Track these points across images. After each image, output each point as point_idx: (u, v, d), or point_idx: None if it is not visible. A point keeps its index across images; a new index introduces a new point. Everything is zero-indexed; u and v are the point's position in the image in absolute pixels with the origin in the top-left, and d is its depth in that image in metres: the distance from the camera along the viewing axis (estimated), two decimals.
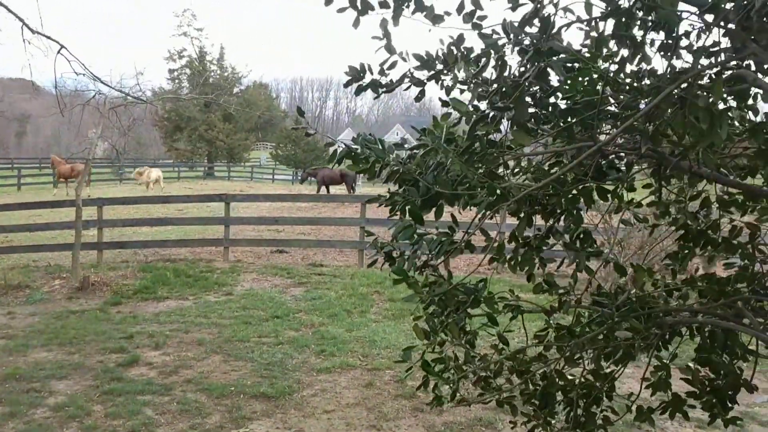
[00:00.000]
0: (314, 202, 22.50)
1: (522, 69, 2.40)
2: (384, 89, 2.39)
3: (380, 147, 2.30)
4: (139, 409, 5.62)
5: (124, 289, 10.19)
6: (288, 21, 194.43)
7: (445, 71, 2.33)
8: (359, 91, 2.40)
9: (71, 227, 12.64)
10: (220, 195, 14.77)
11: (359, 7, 2.24)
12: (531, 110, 2.52)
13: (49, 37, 9.82)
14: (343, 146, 2.34)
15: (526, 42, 2.28)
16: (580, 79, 2.58)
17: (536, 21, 2.21)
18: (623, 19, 2.01)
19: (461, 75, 2.34)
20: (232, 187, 32.84)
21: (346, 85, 2.38)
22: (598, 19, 2.11)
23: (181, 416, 5.52)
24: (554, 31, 2.13)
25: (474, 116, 2.47)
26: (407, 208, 2.37)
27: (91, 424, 5.32)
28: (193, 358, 7.00)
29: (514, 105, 2.32)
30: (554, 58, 2.26)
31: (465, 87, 2.40)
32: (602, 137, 2.56)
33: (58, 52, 10.11)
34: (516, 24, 2.23)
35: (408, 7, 2.22)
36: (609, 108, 2.52)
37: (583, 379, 2.98)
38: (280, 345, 7.48)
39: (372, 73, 2.36)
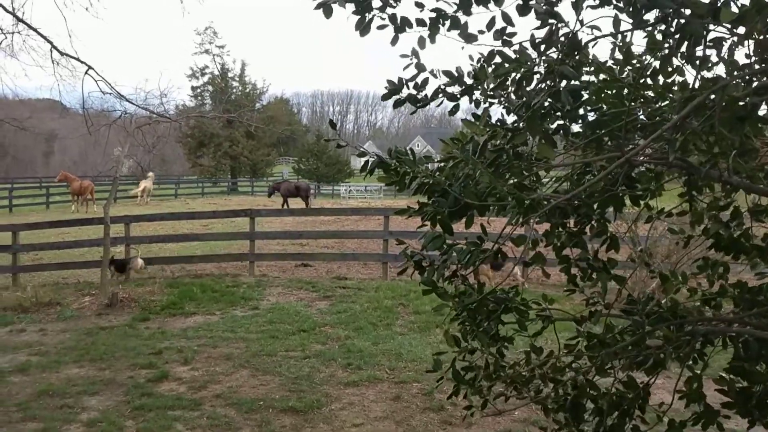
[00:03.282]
0: (337, 216, 22.57)
1: (541, 86, 2.43)
2: (419, 104, 2.43)
3: (411, 159, 2.33)
4: (170, 425, 5.67)
5: (152, 305, 10.30)
6: (308, 35, 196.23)
7: (476, 86, 2.36)
8: (397, 104, 2.44)
9: (99, 244, 12.83)
10: (245, 210, 14.91)
11: (398, 25, 2.28)
12: (559, 122, 2.54)
13: (77, 59, 10.05)
14: (375, 157, 2.37)
15: (541, 65, 2.30)
16: (606, 91, 2.60)
17: (562, 37, 2.24)
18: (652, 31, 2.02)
19: (490, 90, 2.36)
20: (256, 202, 33.08)
21: (384, 98, 2.43)
22: (624, 33, 2.13)
23: (212, 431, 5.57)
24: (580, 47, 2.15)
25: (487, 134, 2.50)
26: (437, 218, 2.39)
27: None
28: (222, 373, 7.06)
29: (526, 124, 2.34)
30: (563, 83, 2.28)
31: (495, 101, 2.43)
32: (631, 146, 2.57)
33: (86, 72, 10.34)
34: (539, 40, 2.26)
35: (443, 25, 2.26)
36: (637, 119, 2.52)
37: (614, 389, 2.96)
38: (307, 359, 7.51)
39: (408, 88, 2.40)
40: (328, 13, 2.26)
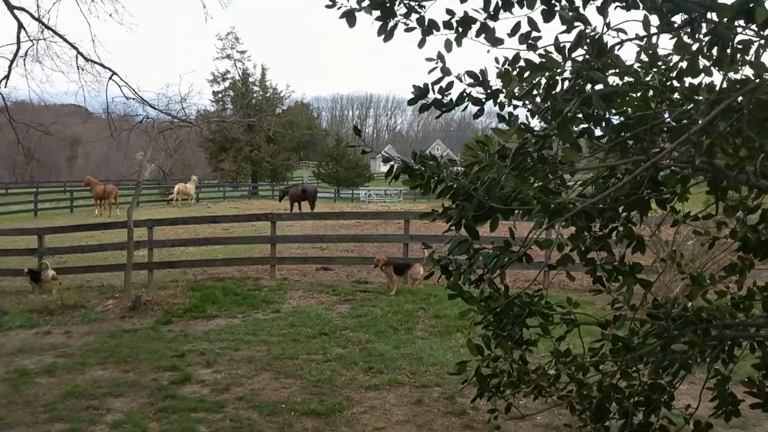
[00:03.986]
0: (357, 220, 22.62)
1: (568, 91, 2.43)
2: (445, 109, 2.45)
3: (435, 163, 2.34)
4: (193, 427, 5.72)
5: (174, 308, 10.40)
6: (328, 39, 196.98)
7: (502, 90, 2.37)
8: (423, 109, 2.46)
9: (122, 248, 12.99)
10: (266, 214, 15.01)
11: (425, 27, 2.30)
12: (584, 125, 2.54)
13: (101, 65, 10.22)
14: (401, 163, 2.39)
15: (569, 71, 2.30)
16: (631, 94, 2.59)
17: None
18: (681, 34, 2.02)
19: (515, 92, 2.37)
20: (277, 206, 33.27)
21: (410, 103, 2.44)
22: (651, 36, 2.12)
23: None
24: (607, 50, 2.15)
25: (518, 141, 2.50)
26: (462, 222, 2.40)
27: None
28: (244, 376, 7.10)
29: (558, 131, 2.34)
30: (594, 88, 2.28)
31: (519, 103, 2.43)
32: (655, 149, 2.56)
33: (110, 78, 10.51)
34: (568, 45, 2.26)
35: (470, 29, 2.27)
36: (663, 122, 2.51)
37: (638, 388, 2.95)
38: (328, 362, 7.54)
39: (433, 92, 2.42)
40: (351, 22, 2.28)
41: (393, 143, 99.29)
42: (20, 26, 10.51)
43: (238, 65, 56.79)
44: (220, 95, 57.11)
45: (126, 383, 6.90)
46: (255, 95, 56.36)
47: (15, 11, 10.13)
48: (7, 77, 10.97)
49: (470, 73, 2.35)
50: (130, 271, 11.37)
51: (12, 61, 10.56)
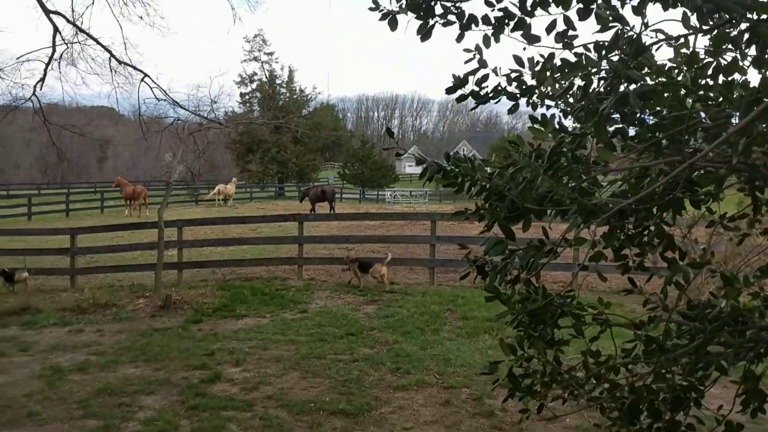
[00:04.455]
0: (383, 221, 22.64)
1: (604, 90, 2.42)
2: (480, 101, 2.46)
3: (469, 164, 2.35)
4: (223, 425, 5.79)
5: (204, 307, 10.52)
6: (353, 40, 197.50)
7: (535, 88, 2.38)
8: (461, 99, 2.47)
9: (152, 248, 13.19)
10: (294, 215, 15.14)
11: (463, 23, 2.32)
12: (618, 126, 2.53)
13: (133, 67, 10.38)
14: (434, 164, 2.40)
15: (605, 67, 2.30)
16: (666, 94, 2.57)
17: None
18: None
19: (549, 92, 2.37)
20: (302, 206, 33.48)
21: (448, 92, 2.46)
22: (689, 35, 2.11)
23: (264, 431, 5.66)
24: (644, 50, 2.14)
25: (555, 139, 2.50)
26: (497, 222, 2.41)
27: None
28: (273, 375, 7.16)
29: (594, 130, 2.34)
30: (631, 87, 2.27)
31: (552, 103, 2.43)
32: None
33: (141, 80, 10.67)
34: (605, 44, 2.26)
35: (508, 25, 2.28)
36: (698, 121, 2.49)
37: (669, 389, 2.92)
38: (355, 362, 7.57)
39: (471, 84, 2.44)
40: (393, 25, 2.31)
41: (418, 144, 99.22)
42: (56, 30, 10.73)
43: (265, 67, 57.27)
44: (247, 97, 57.66)
45: (157, 381, 7.00)
46: (282, 97, 56.80)
47: (51, 15, 10.36)
48: (42, 80, 11.21)
49: (516, 58, 2.35)
50: (160, 270, 11.53)
51: (47, 64, 10.80)
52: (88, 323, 9.94)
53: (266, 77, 57.04)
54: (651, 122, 2.60)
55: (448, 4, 2.35)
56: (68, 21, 10.80)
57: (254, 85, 57.35)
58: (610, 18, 2.22)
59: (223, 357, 7.84)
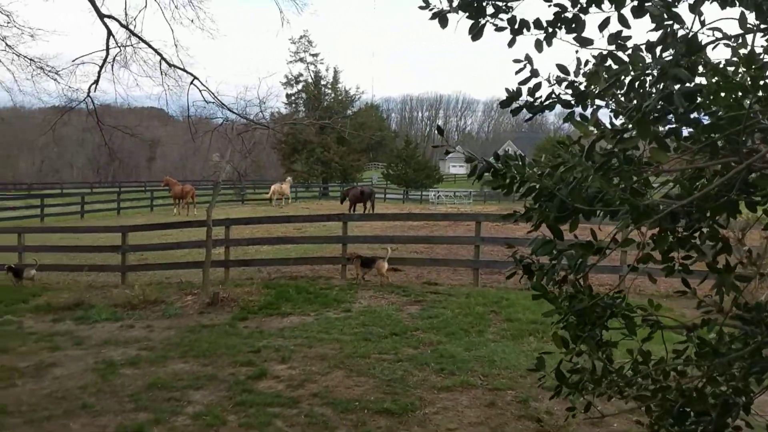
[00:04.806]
0: (426, 221, 22.63)
1: (652, 88, 2.38)
2: (535, 112, 2.45)
3: (520, 163, 2.34)
4: (269, 421, 5.87)
5: (250, 305, 10.68)
6: (399, 41, 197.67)
7: (588, 92, 2.35)
8: (515, 112, 2.47)
9: (199, 246, 13.46)
10: (338, 215, 15.25)
11: (515, 27, 2.31)
12: (672, 126, 2.48)
13: (183, 69, 10.61)
14: (484, 162, 2.40)
15: (651, 65, 2.26)
16: (722, 94, 2.52)
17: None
18: None
19: (600, 92, 2.35)
20: (345, 207, 33.70)
21: (503, 105, 2.46)
22: (745, 35, 2.06)
23: (310, 429, 5.73)
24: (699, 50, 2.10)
25: (596, 135, 2.47)
26: (545, 222, 2.39)
27: None
28: (318, 373, 7.23)
29: (636, 127, 2.30)
30: (676, 87, 2.22)
31: (602, 103, 2.40)
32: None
33: (191, 83, 10.89)
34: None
35: (560, 28, 2.27)
36: (756, 122, 2.43)
37: (720, 392, 2.86)
38: (399, 362, 7.58)
39: (524, 95, 2.43)
40: (443, 23, 2.31)
41: (462, 144, 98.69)
42: (109, 33, 11.05)
43: (310, 68, 57.78)
44: (293, 98, 58.25)
45: (205, 376, 7.14)
46: (327, 98, 57.23)
47: (105, 19, 10.66)
48: (96, 82, 11.55)
49: (561, 67, 2.33)
50: (208, 268, 11.74)
51: (101, 67, 11.11)
52: (138, 319, 10.20)
53: (311, 78, 57.54)
54: (706, 122, 2.55)
55: (500, 4, 2.34)
56: (121, 25, 11.11)
57: (300, 86, 57.91)
58: (665, 16, 2.18)
59: (269, 354, 7.95)
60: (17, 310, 11.21)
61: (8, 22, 12.66)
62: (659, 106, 2.39)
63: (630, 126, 2.38)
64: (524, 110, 2.67)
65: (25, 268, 13.92)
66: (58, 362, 7.89)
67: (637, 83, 2.36)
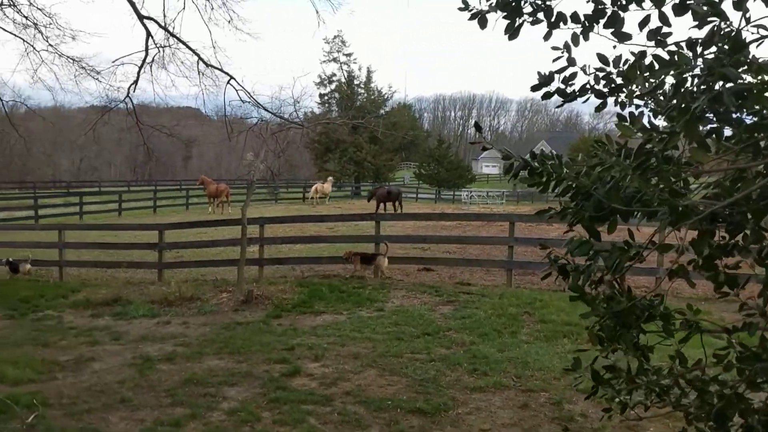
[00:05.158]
0: (458, 221, 22.54)
1: (698, 88, 2.35)
2: (567, 99, 2.44)
3: (557, 162, 2.33)
4: (303, 418, 5.92)
5: (283, 303, 10.78)
6: (430, 40, 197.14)
7: (624, 87, 2.33)
8: (546, 97, 2.45)
9: (234, 244, 13.62)
10: (370, 214, 15.28)
11: (551, 21, 2.30)
12: (713, 125, 2.45)
13: (220, 69, 10.74)
14: (521, 161, 2.39)
15: (700, 65, 2.22)
16: (766, 94, 2.47)
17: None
18: None
19: (638, 91, 2.32)
20: (374, 205, 33.82)
21: (533, 89, 2.45)
22: None
23: (343, 427, 5.76)
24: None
25: (644, 137, 2.44)
26: (581, 222, 2.38)
27: (261, 429, 5.71)
28: (350, 371, 7.27)
29: (684, 128, 2.27)
30: (726, 86, 2.19)
31: (641, 102, 2.38)
32: None
33: (228, 82, 11.03)
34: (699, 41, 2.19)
35: (598, 23, 2.25)
36: None
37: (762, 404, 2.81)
38: (432, 362, 7.58)
39: (557, 82, 2.42)
40: (483, 24, 2.31)
41: (495, 144, 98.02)
42: (148, 34, 11.26)
43: (344, 68, 58.00)
44: (326, 98, 58.53)
45: (240, 373, 7.23)
46: (360, 97, 57.39)
47: (144, 21, 10.87)
48: (135, 82, 11.77)
49: (601, 57, 2.31)
50: (243, 266, 11.88)
51: (140, 67, 11.33)
52: (174, 315, 10.37)
53: (345, 78, 57.74)
54: (749, 122, 2.51)
55: (539, 2, 2.33)
56: (160, 26, 11.31)
57: (333, 86, 58.15)
58: (709, 13, 2.15)
59: (302, 352, 8.01)
60: (57, 305, 11.49)
61: (50, 23, 12.98)
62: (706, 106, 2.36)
63: (676, 128, 2.35)
64: (555, 98, 2.65)
65: (20, 263, 14.68)
66: (97, 357, 8.07)
67: (681, 83, 2.33)
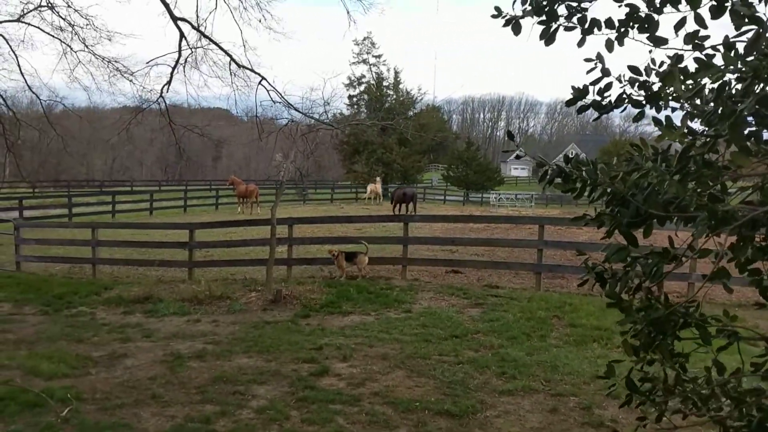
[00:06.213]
0: (487, 223, 22.44)
1: (741, 91, 2.31)
2: (603, 111, 2.42)
3: (592, 168, 2.32)
4: (331, 417, 5.95)
5: (312, 303, 10.84)
6: (461, 42, 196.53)
7: (662, 93, 2.31)
8: (581, 110, 2.44)
9: (263, 244, 13.72)
10: (399, 215, 15.25)
11: (585, 27, 2.29)
12: (753, 128, 2.41)
13: (251, 70, 10.84)
14: (555, 167, 2.38)
15: (741, 68, 2.19)
16: None
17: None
18: None
19: (674, 94, 2.30)
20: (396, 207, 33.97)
21: (568, 104, 2.43)
22: None
23: (371, 427, 5.78)
24: None
25: (686, 140, 2.41)
26: (618, 228, 2.36)
27: (289, 428, 5.74)
28: (378, 372, 7.28)
29: (729, 132, 2.24)
30: None
31: (678, 105, 2.35)
32: None
33: (259, 83, 11.13)
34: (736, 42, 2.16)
35: (632, 27, 2.23)
36: None
37: None
38: (460, 364, 7.56)
39: (592, 94, 2.40)
40: (517, 30, 2.31)
41: (524, 146, 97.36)
42: (181, 35, 11.41)
43: (373, 70, 58.07)
44: (355, 99, 58.65)
45: (269, 372, 7.29)
46: (389, 99, 57.40)
47: (178, 22, 11.02)
48: (169, 83, 11.94)
49: (633, 68, 2.29)
50: (272, 266, 11.97)
51: (173, 68, 11.49)
52: (204, 314, 10.49)
53: (374, 80, 57.80)
54: None
55: (574, 4, 2.32)
56: (193, 27, 11.45)
57: (362, 88, 58.26)
58: (746, 19, 2.12)
59: (330, 352, 8.05)
60: (90, 301, 11.69)
61: (87, 24, 13.23)
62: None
63: (720, 131, 2.32)
64: (590, 110, 2.63)
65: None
66: (129, 353, 8.20)
67: (718, 84, 2.30)
